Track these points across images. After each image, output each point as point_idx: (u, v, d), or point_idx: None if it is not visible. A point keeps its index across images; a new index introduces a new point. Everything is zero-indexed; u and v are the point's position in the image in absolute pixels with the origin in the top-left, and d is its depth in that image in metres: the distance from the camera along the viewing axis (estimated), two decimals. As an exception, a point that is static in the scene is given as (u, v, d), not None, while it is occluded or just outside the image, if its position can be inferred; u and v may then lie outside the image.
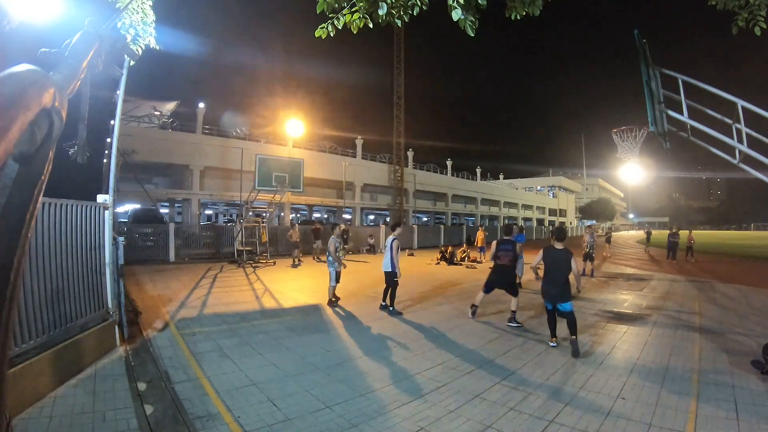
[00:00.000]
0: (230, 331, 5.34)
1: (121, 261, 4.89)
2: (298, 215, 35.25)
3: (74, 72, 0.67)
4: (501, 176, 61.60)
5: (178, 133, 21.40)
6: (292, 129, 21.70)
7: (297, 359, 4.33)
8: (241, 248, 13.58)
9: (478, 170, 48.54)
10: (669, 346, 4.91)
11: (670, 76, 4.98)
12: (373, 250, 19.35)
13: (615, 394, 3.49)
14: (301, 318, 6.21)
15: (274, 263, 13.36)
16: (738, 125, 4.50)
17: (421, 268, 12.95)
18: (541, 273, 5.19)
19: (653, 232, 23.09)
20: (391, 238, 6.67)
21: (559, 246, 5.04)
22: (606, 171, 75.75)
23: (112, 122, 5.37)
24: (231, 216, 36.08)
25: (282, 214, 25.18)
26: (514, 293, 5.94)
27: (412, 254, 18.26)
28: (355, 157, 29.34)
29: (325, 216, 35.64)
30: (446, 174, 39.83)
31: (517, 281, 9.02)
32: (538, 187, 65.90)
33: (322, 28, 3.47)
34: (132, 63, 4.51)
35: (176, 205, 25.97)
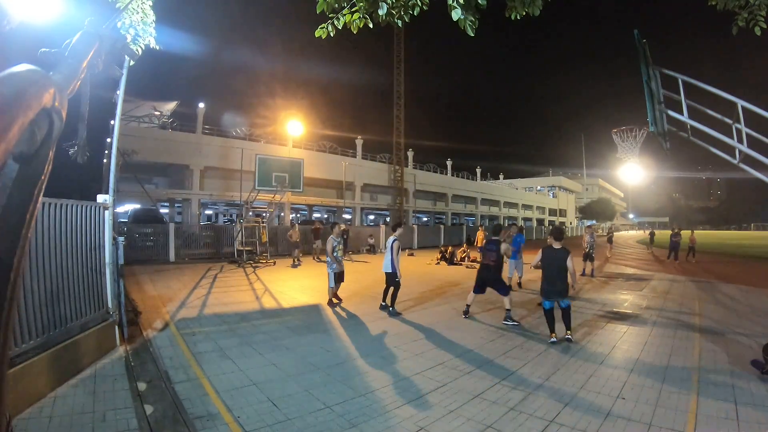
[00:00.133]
0: (230, 331, 5.34)
1: (121, 261, 4.89)
2: (298, 215, 35.25)
3: (74, 72, 0.67)
4: (501, 176, 61.61)
5: (178, 133, 21.41)
6: (292, 129, 21.72)
7: (297, 359, 4.33)
8: (241, 248, 13.59)
9: (478, 170, 48.59)
10: (669, 346, 4.91)
11: (670, 76, 4.97)
12: (373, 250, 19.35)
13: (615, 394, 3.49)
14: (301, 318, 6.21)
15: (274, 263, 13.36)
16: (738, 125, 4.50)
17: (421, 268, 12.95)
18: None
19: (655, 232, 23.08)
20: (392, 239, 6.65)
21: (557, 245, 5.20)
22: (606, 171, 75.75)
23: (112, 122, 5.37)
24: (231, 216, 36.09)
25: (282, 214, 25.18)
26: (503, 292, 6.00)
27: (412, 254, 18.26)
28: (355, 157, 29.35)
29: (325, 216, 35.63)
30: (446, 174, 39.83)
31: (518, 281, 9.06)
32: (538, 187, 65.90)
33: (322, 28, 3.46)
34: (132, 63, 4.52)
35: (176, 205, 25.97)
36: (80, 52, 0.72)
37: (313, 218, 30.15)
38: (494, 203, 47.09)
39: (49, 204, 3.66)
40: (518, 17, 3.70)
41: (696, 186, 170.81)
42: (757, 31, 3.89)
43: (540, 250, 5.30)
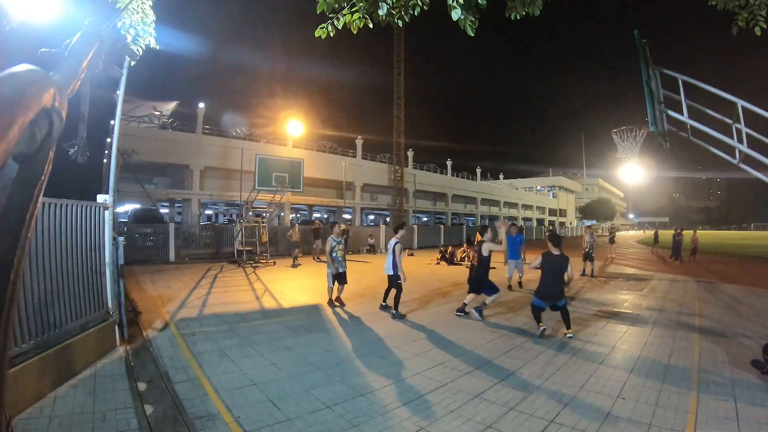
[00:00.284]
0: (230, 331, 5.34)
1: (121, 261, 4.89)
2: (298, 215, 35.27)
3: (74, 72, 0.67)
4: (501, 176, 61.63)
5: (178, 133, 21.41)
6: (292, 129, 21.73)
7: (297, 359, 4.33)
8: (241, 248, 13.59)
9: (478, 170, 48.61)
10: (669, 346, 4.91)
11: (670, 76, 4.97)
12: (373, 250, 19.36)
13: (615, 394, 3.49)
14: (301, 318, 6.21)
15: (274, 263, 13.36)
16: (738, 125, 4.50)
17: (421, 268, 12.95)
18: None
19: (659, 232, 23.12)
20: (394, 241, 6.59)
21: (556, 252, 5.33)
22: (606, 171, 75.79)
23: (112, 122, 5.37)
24: (231, 216, 36.09)
25: (282, 214, 25.19)
26: (483, 290, 6.15)
27: (412, 254, 18.26)
28: (355, 157, 29.35)
29: (325, 216, 35.65)
30: (446, 174, 39.84)
31: (518, 281, 9.06)
32: (538, 187, 65.90)
33: (322, 28, 3.47)
34: (132, 63, 4.51)
35: (176, 205, 25.98)
36: (80, 52, 0.72)
37: (313, 218, 30.16)
38: (494, 203, 47.08)
39: (49, 204, 3.66)
40: (518, 17, 3.70)
41: (696, 186, 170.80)
42: (757, 31, 3.89)
43: (540, 255, 5.41)
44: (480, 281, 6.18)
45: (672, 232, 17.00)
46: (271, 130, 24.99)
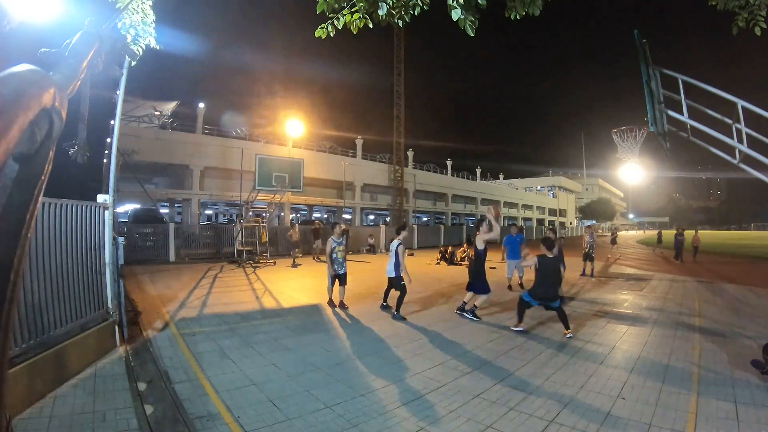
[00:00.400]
0: (230, 331, 5.34)
1: (121, 261, 4.89)
2: (298, 215, 35.26)
3: (74, 72, 0.67)
4: (501, 176, 61.63)
5: (178, 133, 21.41)
6: (292, 129, 21.71)
7: (297, 359, 4.33)
8: (241, 248, 13.59)
9: (478, 170, 48.61)
10: (669, 346, 4.91)
11: (670, 76, 4.98)
12: (373, 250, 19.36)
13: (615, 394, 3.49)
14: (301, 318, 6.21)
15: (274, 263, 13.36)
16: (738, 125, 4.50)
17: (421, 268, 12.94)
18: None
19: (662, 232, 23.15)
20: (396, 242, 6.52)
21: (550, 255, 5.41)
22: (606, 171, 75.64)
23: (112, 122, 5.37)
24: (231, 216, 36.09)
25: (282, 214, 25.19)
26: (474, 288, 6.18)
27: (412, 254, 18.25)
28: (355, 157, 29.35)
29: (325, 216, 35.65)
30: (446, 174, 39.84)
31: (519, 281, 9.06)
32: (538, 187, 65.90)
33: (322, 28, 3.47)
34: (132, 63, 4.51)
35: (176, 205, 25.98)
36: (80, 52, 0.72)
37: (313, 218, 30.16)
38: (494, 203, 47.09)
39: (49, 204, 3.66)
40: (518, 17, 3.70)
41: (696, 186, 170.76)
42: (757, 31, 3.89)
43: (536, 257, 5.48)
44: (477, 275, 6.18)
45: (674, 232, 17.04)
46: (271, 130, 25.00)
